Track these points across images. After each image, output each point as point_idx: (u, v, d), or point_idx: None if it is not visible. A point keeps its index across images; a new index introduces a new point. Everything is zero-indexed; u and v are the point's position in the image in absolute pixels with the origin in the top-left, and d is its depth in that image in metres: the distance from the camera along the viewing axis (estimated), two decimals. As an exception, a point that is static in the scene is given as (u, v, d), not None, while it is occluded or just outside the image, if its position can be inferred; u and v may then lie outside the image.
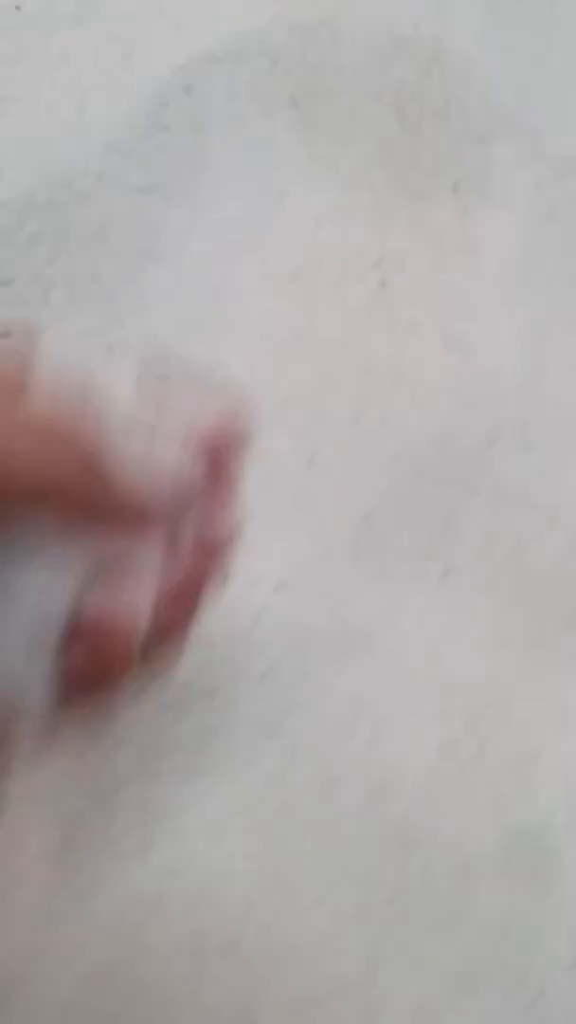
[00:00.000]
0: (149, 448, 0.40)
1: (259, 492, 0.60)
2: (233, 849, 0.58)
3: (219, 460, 0.43)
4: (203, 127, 0.70)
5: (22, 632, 0.38)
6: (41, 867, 0.56)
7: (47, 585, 0.38)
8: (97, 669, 0.38)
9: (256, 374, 0.65)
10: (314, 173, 0.70)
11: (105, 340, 0.65)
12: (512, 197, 0.69)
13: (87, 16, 0.72)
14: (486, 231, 0.68)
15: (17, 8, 0.72)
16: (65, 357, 0.42)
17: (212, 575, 0.43)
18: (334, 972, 0.58)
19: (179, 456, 0.41)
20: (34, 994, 0.55)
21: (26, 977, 0.55)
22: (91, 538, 0.38)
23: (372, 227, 0.69)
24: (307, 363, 0.66)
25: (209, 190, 0.69)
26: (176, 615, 0.40)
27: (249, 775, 0.59)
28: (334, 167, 0.70)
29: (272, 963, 0.58)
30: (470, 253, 0.68)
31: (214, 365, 0.62)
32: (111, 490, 0.38)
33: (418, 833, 0.60)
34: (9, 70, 0.71)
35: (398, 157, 0.70)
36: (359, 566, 0.63)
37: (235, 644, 0.61)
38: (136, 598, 0.39)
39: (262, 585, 0.62)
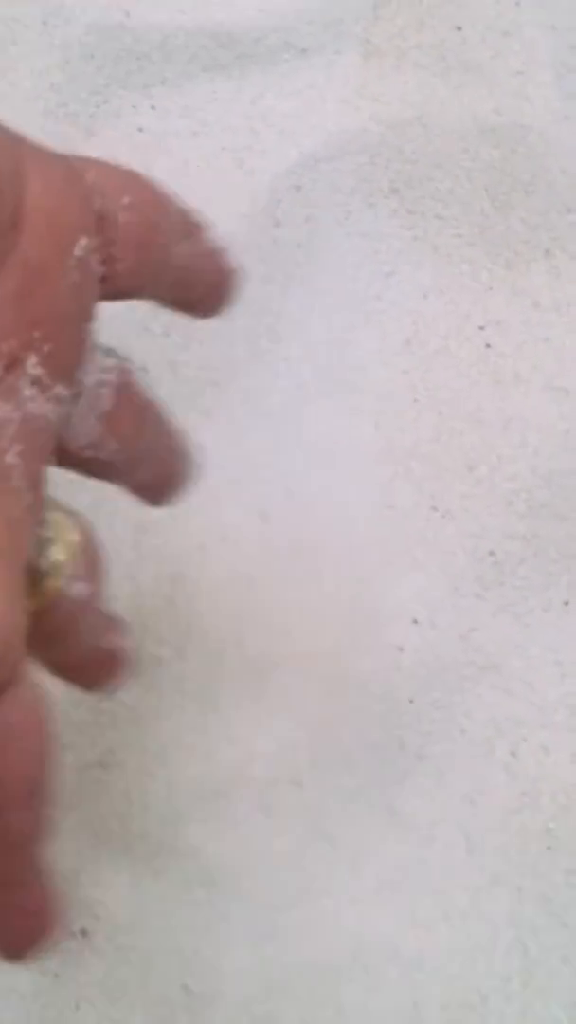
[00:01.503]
0: None
1: (390, 539, 0.73)
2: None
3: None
4: (313, 220, 0.84)
5: None
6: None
7: None
8: None
9: (380, 433, 0.78)
10: (417, 252, 0.83)
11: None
12: (600, 258, 0.82)
13: (201, 131, 0.87)
14: (577, 290, 0.81)
15: (140, 130, 0.88)
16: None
17: None
18: (491, 973, 0.69)
19: None
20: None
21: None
22: None
23: (474, 295, 0.82)
24: (424, 420, 0.78)
25: (322, 276, 0.83)
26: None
27: (402, 793, 0.71)
28: (435, 245, 0.83)
29: (434, 969, 0.69)
30: (564, 311, 0.80)
31: (342, 427, 0.76)
32: None
33: (562, 840, 0.70)
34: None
35: (493, 231, 0.83)
36: (486, 600, 0.75)
37: (379, 677, 0.73)
38: None
39: (400, 621, 0.74)
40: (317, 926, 0.68)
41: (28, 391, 0.36)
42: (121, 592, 0.73)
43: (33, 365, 0.36)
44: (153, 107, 0.86)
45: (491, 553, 0.74)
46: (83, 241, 0.37)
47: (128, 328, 0.78)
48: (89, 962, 0.68)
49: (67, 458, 0.45)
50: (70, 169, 0.38)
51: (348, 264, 0.83)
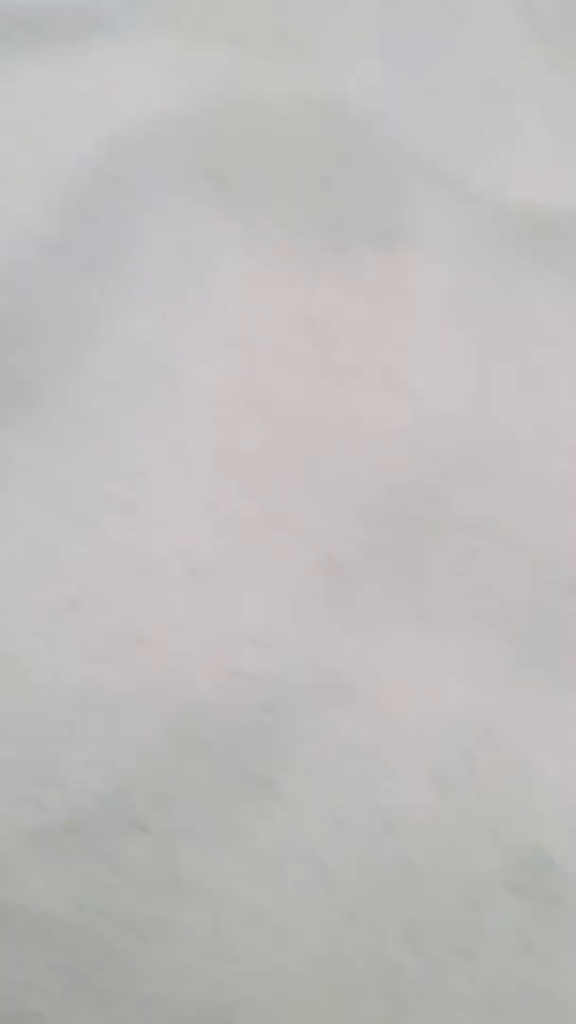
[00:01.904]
0: None
1: (226, 555, 0.69)
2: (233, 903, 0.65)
3: None
4: (127, 211, 0.79)
5: None
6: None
7: None
8: None
9: (210, 439, 0.74)
10: (242, 242, 0.79)
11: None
12: (437, 242, 0.78)
13: (4, 114, 0.81)
14: (415, 277, 0.77)
15: None
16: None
17: None
18: (355, 1018, 0.65)
19: None
20: None
21: None
22: None
23: (304, 285, 0.78)
24: (257, 424, 0.74)
25: (140, 272, 0.78)
26: None
27: (253, 827, 0.66)
28: (261, 234, 0.79)
29: (292, 1018, 0.65)
30: (403, 300, 0.77)
31: (168, 435, 0.71)
32: None
33: (422, 866, 0.67)
34: None
35: (322, 217, 0.79)
36: (334, 617, 0.71)
37: (222, 704, 0.69)
38: None
39: (239, 643, 0.70)
40: (170, 983, 0.63)
41: None
42: None
43: None
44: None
45: (336, 567, 0.70)
46: None
47: None
48: None
49: None
50: None
51: (167, 258, 0.78)
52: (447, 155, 0.78)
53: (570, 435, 0.73)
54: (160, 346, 0.74)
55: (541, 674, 0.69)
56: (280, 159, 0.78)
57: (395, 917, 0.65)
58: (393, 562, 0.70)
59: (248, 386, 0.74)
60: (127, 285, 0.75)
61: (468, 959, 0.64)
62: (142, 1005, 0.62)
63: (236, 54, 0.81)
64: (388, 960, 0.64)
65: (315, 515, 0.71)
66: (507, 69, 0.81)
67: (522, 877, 0.65)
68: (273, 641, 0.69)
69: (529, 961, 0.63)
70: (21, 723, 0.66)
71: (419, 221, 0.76)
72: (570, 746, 0.67)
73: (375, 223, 0.76)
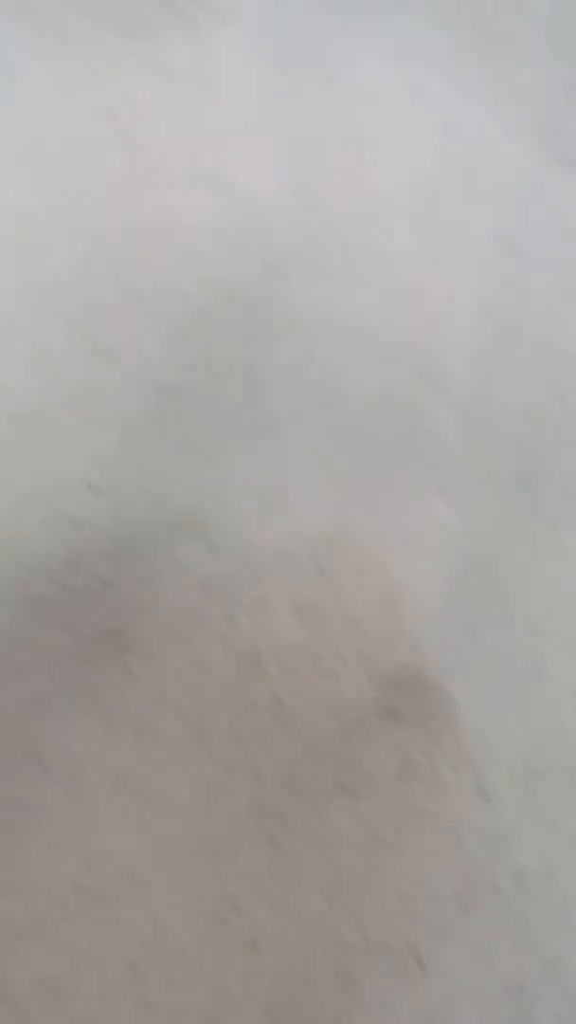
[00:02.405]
0: None
1: (47, 391, 0.63)
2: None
3: None
4: None
5: None
6: None
7: None
8: None
9: (15, 266, 0.67)
10: (38, 45, 0.71)
11: None
12: (237, 11, 0.70)
13: None
14: (222, 54, 0.70)
15: None
16: None
17: None
18: (238, 872, 0.61)
19: None
20: None
21: None
22: None
23: (101, 78, 0.70)
24: (69, 244, 0.67)
25: None
26: None
27: (108, 688, 0.62)
28: (53, 26, 0.71)
29: (174, 885, 0.62)
30: (212, 85, 0.69)
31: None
32: None
33: (293, 710, 0.63)
34: None
35: (115, 9, 0.71)
36: (172, 446, 0.65)
37: (58, 558, 0.64)
38: None
39: (73, 491, 0.64)
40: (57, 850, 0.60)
41: None
42: None
43: None
44: None
45: (166, 389, 0.64)
46: None
47: None
48: None
49: None
50: None
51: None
52: None
53: (399, 204, 0.66)
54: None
55: (400, 478, 0.63)
56: None
57: (271, 761, 0.61)
58: (228, 378, 0.65)
59: (55, 203, 0.67)
60: None
61: (350, 795, 0.60)
62: (19, 892, 0.59)
63: None
64: (268, 807, 0.61)
65: (140, 337, 0.65)
66: None
67: (395, 701, 0.61)
68: (108, 483, 0.64)
69: (411, 786, 0.59)
70: None
71: (220, -11, 0.68)
72: (428, 548, 0.62)
73: (176, 1, 0.68)
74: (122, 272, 0.66)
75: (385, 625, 0.61)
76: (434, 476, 0.63)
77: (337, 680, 0.61)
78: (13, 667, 0.62)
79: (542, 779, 0.61)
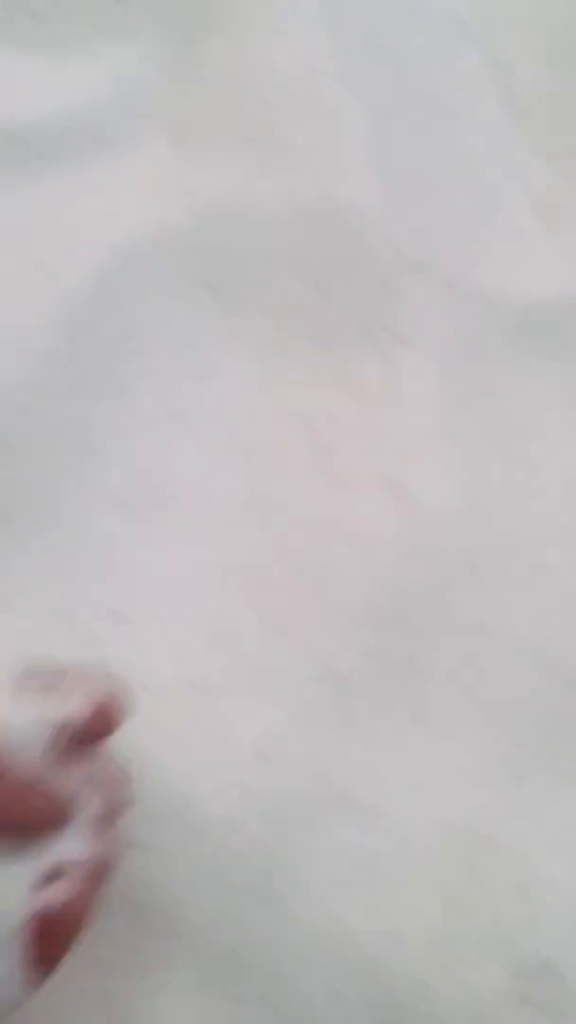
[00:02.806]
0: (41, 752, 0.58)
1: (227, 666, 0.71)
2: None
3: (97, 745, 0.61)
4: (126, 322, 0.82)
5: None
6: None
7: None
8: (54, 951, 0.55)
9: (210, 548, 0.76)
10: (238, 348, 0.82)
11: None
12: (430, 340, 0.81)
13: (1, 235, 0.86)
14: (409, 376, 0.80)
15: None
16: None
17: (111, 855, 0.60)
18: None
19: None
20: None
21: None
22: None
23: (300, 389, 0.81)
24: (254, 531, 0.77)
25: (139, 381, 0.81)
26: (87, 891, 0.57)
27: (233, 938, 0.68)
28: (256, 339, 0.82)
29: None
30: (395, 401, 0.79)
31: (169, 545, 0.73)
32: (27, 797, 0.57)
33: (431, 983, 0.68)
34: None
35: (315, 319, 0.82)
36: (333, 725, 0.73)
37: (226, 820, 0.71)
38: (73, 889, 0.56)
39: (242, 757, 0.72)
40: None
41: None
42: None
43: None
44: None
45: (334, 673, 0.72)
46: None
47: None
48: None
49: None
50: None
51: (165, 366, 0.81)
52: (439, 254, 0.80)
53: (565, 525, 0.74)
54: (161, 457, 0.77)
55: (544, 777, 0.70)
56: (275, 265, 0.81)
57: (400, 1034, 0.66)
58: (392, 669, 0.72)
59: (246, 493, 0.76)
60: (129, 397, 0.79)
61: None
62: None
63: (233, 165, 0.85)
64: None
65: (315, 623, 0.74)
66: (495, 164, 0.84)
67: (530, 991, 0.66)
68: (274, 754, 0.71)
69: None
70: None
71: (412, 320, 0.78)
72: (571, 846, 0.68)
73: (368, 324, 0.79)
74: (303, 562, 0.74)
75: (525, 916, 0.66)
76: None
77: (475, 964, 0.66)
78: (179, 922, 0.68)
79: None
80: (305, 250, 0.83)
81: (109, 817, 0.60)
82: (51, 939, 0.55)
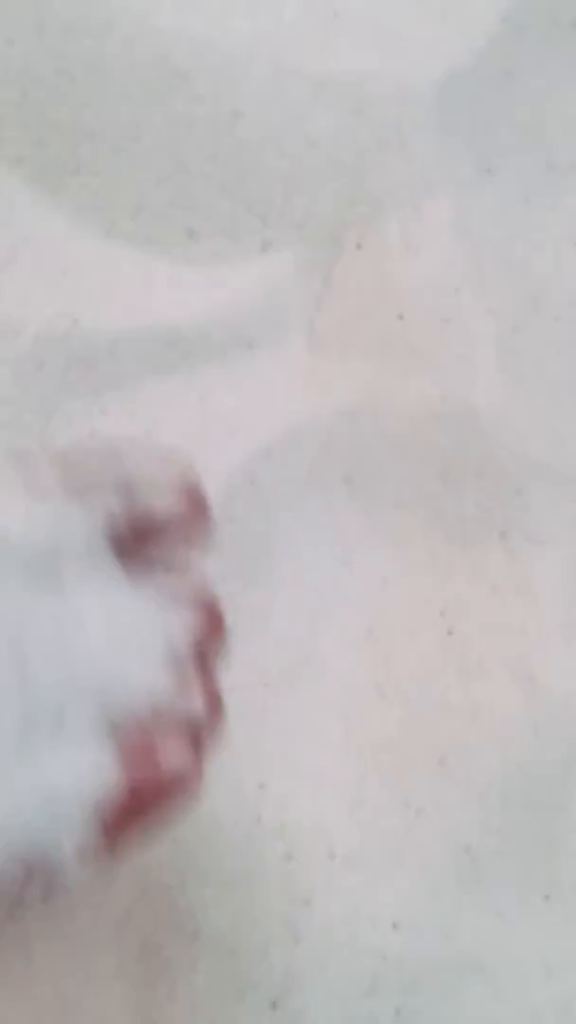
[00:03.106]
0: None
1: (365, 839, 0.77)
2: None
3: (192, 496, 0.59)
4: (268, 512, 0.90)
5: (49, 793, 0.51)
6: None
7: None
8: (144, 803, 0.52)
9: (347, 726, 0.83)
10: (374, 539, 0.89)
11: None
12: (554, 535, 0.88)
13: (153, 431, 0.94)
14: (536, 570, 0.87)
15: (92, 436, 0.95)
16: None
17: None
18: None
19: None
20: None
21: None
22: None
23: (433, 580, 0.88)
24: (391, 711, 0.83)
25: (281, 568, 0.89)
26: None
27: None
28: (391, 531, 0.89)
29: None
30: (524, 592, 0.86)
31: (308, 722, 0.80)
32: None
33: None
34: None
35: (448, 515, 0.89)
36: (466, 898, 0.78)
37: (363, 986, 0.76)
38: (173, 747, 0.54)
39: (379, 926, 0.77)
40: None
41: None
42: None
43: None
44: (103, 411, 0.93)
45: (467, 849, 0.78)
46: None
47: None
48: None
49: None
50: None
51: (305, 554, 0.88)
52: (562, 456, 0.88)
53: None
54: (303, 640, 0.84)
55: None
56: (407, 461, 0.89)
57: None
58: (522, 844, 0.78)
59: (382, 675, 0.83)
60: (271, 582, 0.86)
61: None
62: None
63: (367, 366, 0.93)
64: None
65: (447, 799, 0.79)
66: (617, 375, 0.91)
67: None
68: (412, 924, 0.77)
69: None
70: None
71: (536, 517, 0.85)
72: None
73: (496, 520, 0.86)
74: (435, 741, 0.81)
75: None
76: None
77: None
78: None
79: None
80: (436, 449, 0.91)
81: (202, 660, 0.59)
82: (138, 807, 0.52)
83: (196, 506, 0.61)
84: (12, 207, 0.97)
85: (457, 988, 0.73)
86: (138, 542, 0.59)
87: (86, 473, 0.58)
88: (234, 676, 0.80)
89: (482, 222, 0.98)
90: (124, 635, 0.55)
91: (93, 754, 0.52)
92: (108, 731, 0.53)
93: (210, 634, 0.60)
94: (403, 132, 0.99)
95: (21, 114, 0.99)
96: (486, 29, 1.03)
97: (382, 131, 0.99)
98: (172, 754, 0.54)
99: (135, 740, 0.54)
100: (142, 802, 0.53)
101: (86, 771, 0.52)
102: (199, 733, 0.57)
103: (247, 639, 0.85)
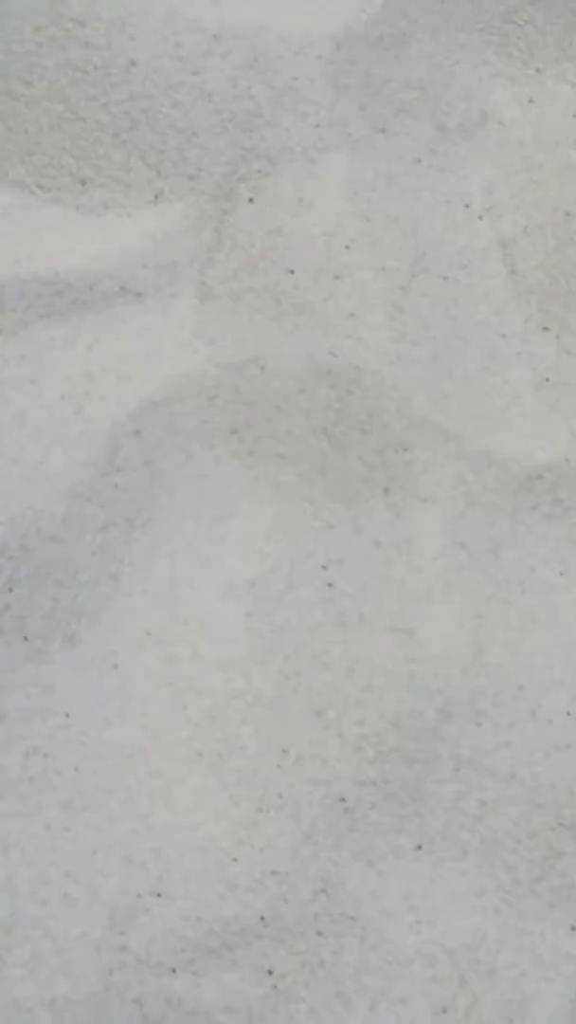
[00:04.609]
0: None
1: (238, 788, 0.76)
2: None
3: None
4: (153, 464, 0.89)
5: None
6: None
7: None
8: None
9: (226, 680, 0.82)
10: (258, 493, 0.88)
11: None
12: (437, 493, 0.88)
13: (39, 379, 0.92)
14: (418, 527, 0.87)
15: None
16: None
17: None
18: None
19: None
20: None
21: None
22: None
23: (315, 535, 0.87)
24: (269, 665, 0.83)
25: (165, 520, 0.88)
26: None
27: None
28: (275, 485, 0.89)
29: None
30: (405, 548, 0.86)
31: (187, 674, 0.79)
32: None
33: None
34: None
35: (332, 470, 0.89)
36: (339, 848, 0.78)
37: (237, 934, 0.76)
38: None
39: (263, 876, 0.77)
40: None
41: None
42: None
43: None
44: (-11, 356, 0.92)
45: (342, 799, 0.78)
46: None
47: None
48: None
49: None
50: None
51: (190, 507, 0.87)
52: (447, 414, 0.87)
53: (561, 675, 0.81)
54: (182, 590, 0.83)
55: (538, 907, 0.75)
56: (293, 417, 0.88)
57: None
58: (394, 796, 0.78)
59: (262, 627, 0.82)
60: (155, 533, 0.85)
61: None
62: None
63: (256, 320, 0.92)
64: None
65: (323, 751, 0.79)
66: (500, 335, 0.91)
67: None
68: (288, 872, 0.76)
69: None
70: None
71: (420, 474, 0.85)
72: (567, 980, 0.73)
73: (379, 476, 0.86)
74: (313, 694, 0.80)
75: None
76: (566, 910, 0.75)
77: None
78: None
79: None
80: (323, 405, 0.90)
81: None
82: None
83: None
84: None
85: (328, 939, 0.73)
86: None
87: None
88: (116, 624, 0.79)
89: (374, 181, 0.97)
90: None
91: None
92: None
93: None
94: (298, 88, 0.98)
95: None
96: (383, -11, 1.02)
97: (277, 86, 0.98)
98: None
99: None
100: None
101: None
102: None
103: (127, 591, 0.84)
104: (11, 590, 0.83)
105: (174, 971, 0.74)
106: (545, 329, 0.94)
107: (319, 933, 0.73)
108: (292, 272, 0.95)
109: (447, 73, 1.01)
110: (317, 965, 0.74)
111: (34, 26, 0.96)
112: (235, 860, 0.76)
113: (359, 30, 1.00)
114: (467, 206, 0.97)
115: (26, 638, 0.82)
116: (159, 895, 0.76)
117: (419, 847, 0.75)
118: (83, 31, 0.97)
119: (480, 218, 0.97)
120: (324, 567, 0.84)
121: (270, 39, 0.98)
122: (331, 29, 0.99)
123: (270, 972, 0.73)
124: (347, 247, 0.95)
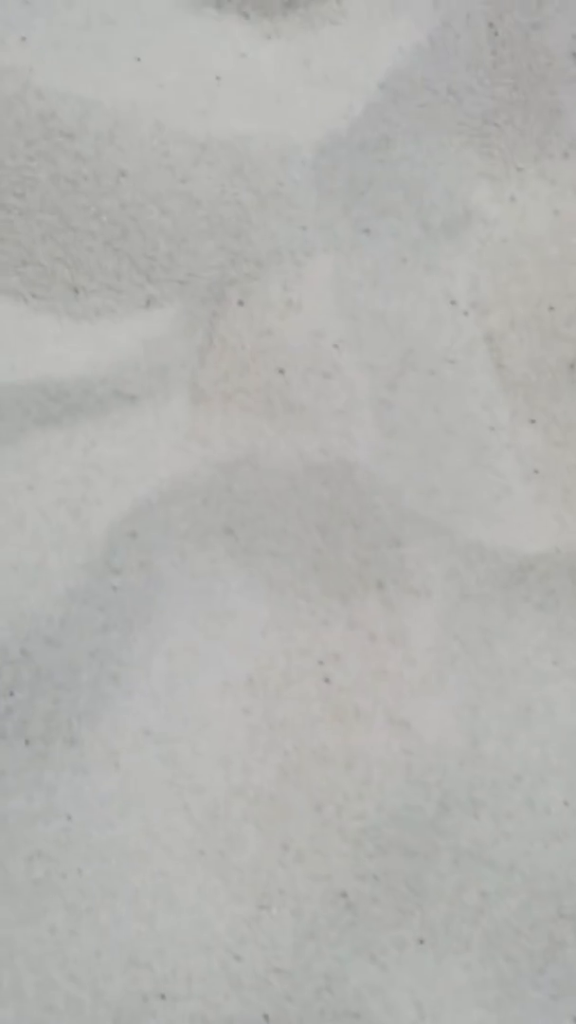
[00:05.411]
0: None
1: (239, 887, 0.77)
2: None
3: None
4: (150, 564, 0.91)
5: None
6: None
7: None
8: None
9: (226, 776, 0.83)
10: (253, 590, 0.90)
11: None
12: (430, 586, 0.89)
13: (36, 484, 0.94)
14: (412, 620, 0.88)
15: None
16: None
17: None
18: None
19: None
20: None
21: None
22: None
23: (311, 630, 0.89)
24: (269, 761, 0.84)
25: (162, 619, 0.89)
26: None
27: None
28: (270, 582, 0.90)
29: None
30: (400, 641, 0.87)
31: (188, 771, 0.80)
32: None
33: None
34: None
35: (326, 566, 0.90)
36: (341, 943, 0.79)
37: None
38: None
39: (260, 975, 0.77)
40: None
41: None
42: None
43: None
44: (-13, 463, 0.94)
45: (343, 894, 0.78)
46: None
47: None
48: None
49: None
50: None
51: (186, 606, 0.89)
52: (438, 508, 0.89)
53: (558, 764, 0.82)
54: (181, 688, 0.84)
55: (541, 999, 0.76)
56: (287, 514, 0.90)
57: None
58: (395, 889, 0.79)
59: (260, 723, 0.84)
60: (153, 632, 0.86)
61: None
62: None
63: (248, 420, 0.94)
64: None
65: (323, 845, 0.80)
66: (488, 428, 0.93)
67: None
68: (291, 969, 0.77)
69: None
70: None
71: (412, 568, 0.87)
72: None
73: (372, 571, 0.87)
74: (313, 789, 0.81)
75: None
76: (569, 1001, 0.76)
77: None
78: None
79: None
80: (315, 502, 0.92)
81: None
82: None
83: None
84: None
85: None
86: None
87: None
88: (116, 724, 0.80)
89: (360, 281, 1.00)
90: None
91: None
92: None
93: None
94: (283, 193, 1.01)
95: None
96: (364, 95, 1.05)
97: (263, 191, 1.00)
98: None
99: None
100: None
101: None
102: None
103: (127, 690, 0.85)
104: (12, 694, 0.84)
105: (180, 1073, 0.74)
106: (532, 421, 0.96)
107: (318, 1019, 0.73)
108: (282, 372, 0.97)
109: (430, 174, 1.04)
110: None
111: (25, 140, 0.99)
112: (238, 958, 0.77)
113: (342, 135, 1.02)
114: (453, 302, 1.00)
115: (27, 741, 0.82)
116: (163, 996, 0.77)
117: (421, 941, 0.76)
118: (73, 144, 1.00)
119: (466, 314, 0.99)
120: (321, 662, 0.86)
121: (255, 146, 1.01)
122: (315, 135, 1.01)
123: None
124: (335, 346, 0.97)
